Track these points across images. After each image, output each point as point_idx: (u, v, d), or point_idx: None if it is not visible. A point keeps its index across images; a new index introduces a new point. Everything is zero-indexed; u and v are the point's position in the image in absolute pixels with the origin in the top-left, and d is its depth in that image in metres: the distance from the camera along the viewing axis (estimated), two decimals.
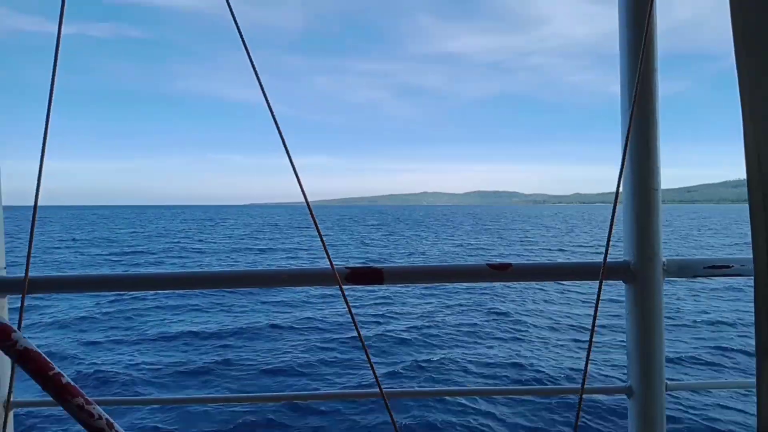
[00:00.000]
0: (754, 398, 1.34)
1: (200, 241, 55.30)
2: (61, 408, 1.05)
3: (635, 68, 1.61)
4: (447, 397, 9.18)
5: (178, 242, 53.70)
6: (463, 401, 9.20)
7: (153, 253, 42.21)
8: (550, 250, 45.43)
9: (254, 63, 1.51)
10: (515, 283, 1.72)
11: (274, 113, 1.54)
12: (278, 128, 1.52)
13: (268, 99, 1.53)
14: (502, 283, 1.73)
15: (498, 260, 1.71)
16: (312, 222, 1.55)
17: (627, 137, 1.61)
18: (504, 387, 1.87)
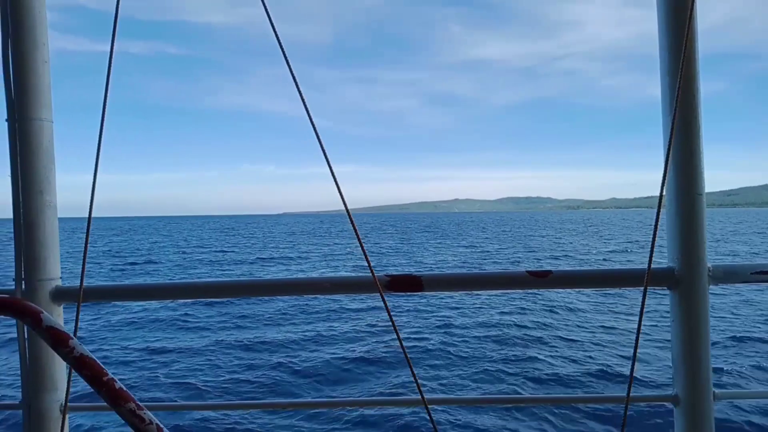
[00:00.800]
0: None
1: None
2: (113, 412, 1.10)
3: (676, 71, 1.58)
4: (489, 405, 9.04)
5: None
6: (506, 409, 9.07)
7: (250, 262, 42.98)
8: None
9: (294, 74, 1.55)
10: (556, 290, 1.70)
11: (314, 122, 1.58)
12: (318, 137, 1.56)
13: (308, 109, 1.57)
14: (542, 290, 1.70)
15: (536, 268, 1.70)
16: (353, 231, 1.58)
17: (670, 141, 1.58)
18: (547, 395, 1.84)
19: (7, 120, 1.67)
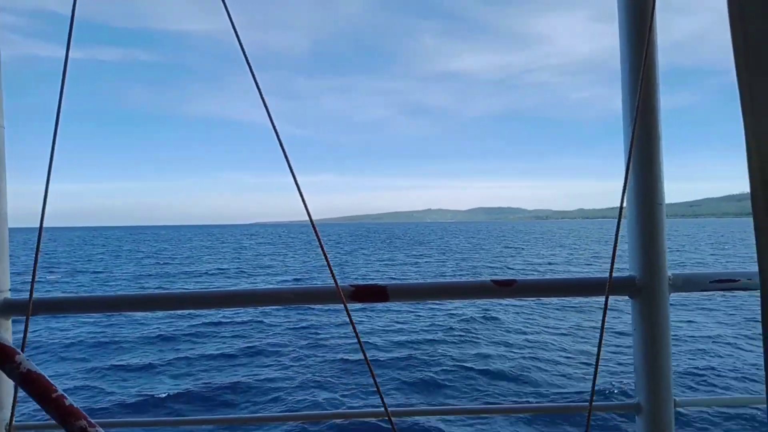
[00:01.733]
0: (764, 415, 1.32)
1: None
2: (64, 431, 1.04)
3: (636, 84, 1.61)
4: (453, 416, 9.09)
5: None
6: (470, 420, 9.11)
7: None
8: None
9: (259, 84, 1.53)
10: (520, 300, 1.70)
11: (278, 132, 1.55)
12: (282, 146, 1.53)
13: (272, 118, 1.54)
14: (506, 299, 1.71)
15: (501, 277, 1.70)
16: (317, 240, 1.55)
17: (630, 152, 1.60)
18: (511, 405, 1.84)
19: None
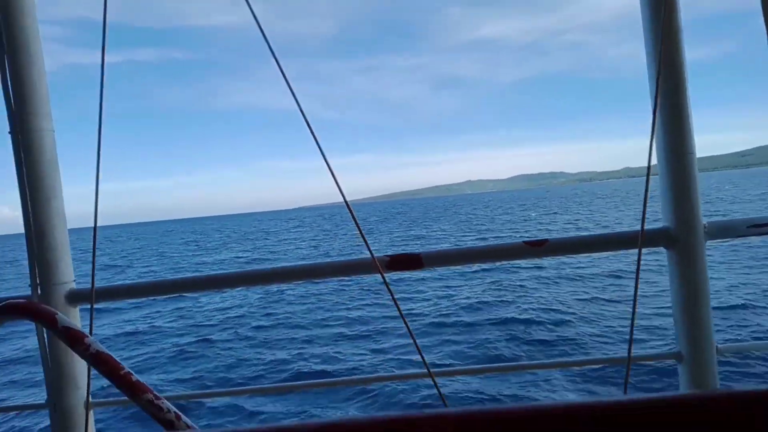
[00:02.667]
0: None
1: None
2: (134, 406, 1.15)
3: (657, 32, 1.59)
4: (493, 374, 9.21)
5: None
6: (510, 376, 9.24)
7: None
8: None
9: (284, 71, 1.59)
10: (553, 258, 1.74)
11: (306, 117, 1.61)
12: (311, 129, 1.60)
13: (300, 103, 1.60)
14: (540, 258, 1.74)
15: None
16: (351, 216, 1.62)
17: (656, 104, 1.59)
18: (550, 361, 1.86)
19: (9, 132, 1.73)
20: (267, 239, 67.09)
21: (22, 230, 1.76)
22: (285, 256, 42.31)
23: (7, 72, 1.71)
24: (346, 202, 1.64)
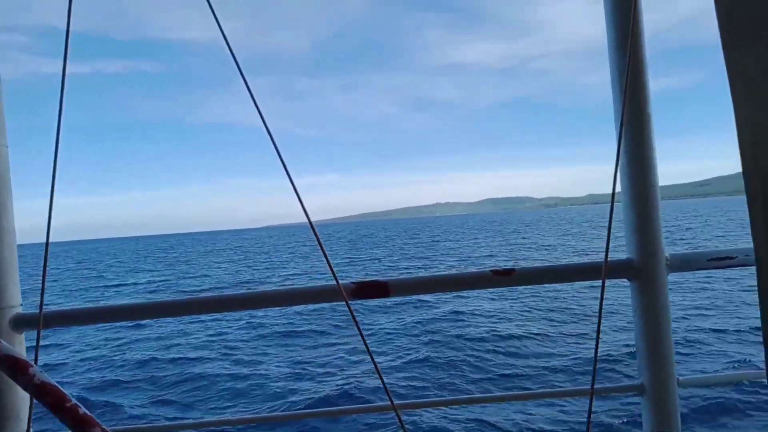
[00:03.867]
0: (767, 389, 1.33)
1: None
2: None
3: (623, 64, 1.62)
4: (457, 406, 9.20)
5: None
6: (473, 409, 9.23)
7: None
8: None
9: (250, 86, 1.55)
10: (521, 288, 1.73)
11: (272, 134, 1.57)
12: (275, 146, 1.56)
13: (265, 119, 1.56)
14: (507, 288, 1.73)
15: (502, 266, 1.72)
16: (316, 240, 1.58)
17: (620, 135, 1.62)
18: (514, 393, 1.86)
19: None
20: (190, 263, 65.10)
21: None
22: (185, 284, 39.89)
23: None
24: (310, 222, 1.59)
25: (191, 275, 47.44)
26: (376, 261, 49.26)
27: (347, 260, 51.38)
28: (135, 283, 43.10)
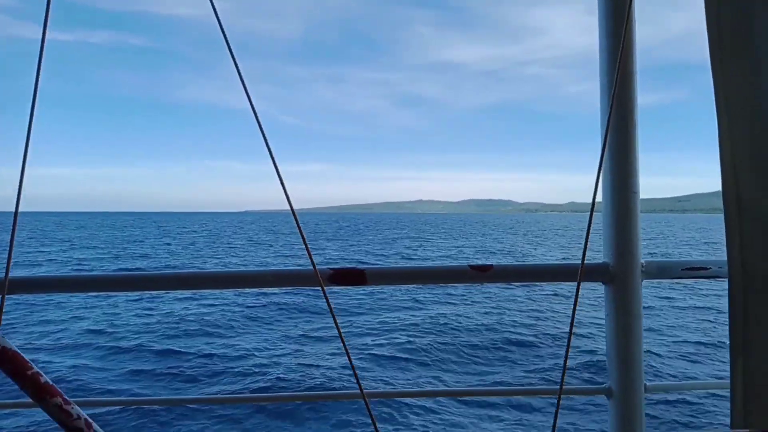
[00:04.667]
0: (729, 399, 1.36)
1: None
2: (40, 408, 1.05)
3: (613, 72, 1.64)
4: (425, 398, 9.29)
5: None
6: (442, 401, 9.33)
7: None
8: None
9: (240, 69, 1.53)
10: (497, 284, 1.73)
11: (259, 118, 1.55)
12: (262, 131, 1.54)
13: (253, 103, 1.54)
14: (483, 284, 1.74)
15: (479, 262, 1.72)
16: (295, 224, 1.56)
17: (605, 140, 1.63)
18: (482, 388, 1.87)
19: None
20: (145, 242, 64.34)
21: None
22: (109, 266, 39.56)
23: None
24: (292, 209, 1.58)
25: (128, 255, 46.69)
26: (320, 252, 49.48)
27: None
28: (62, 260, 42.49)
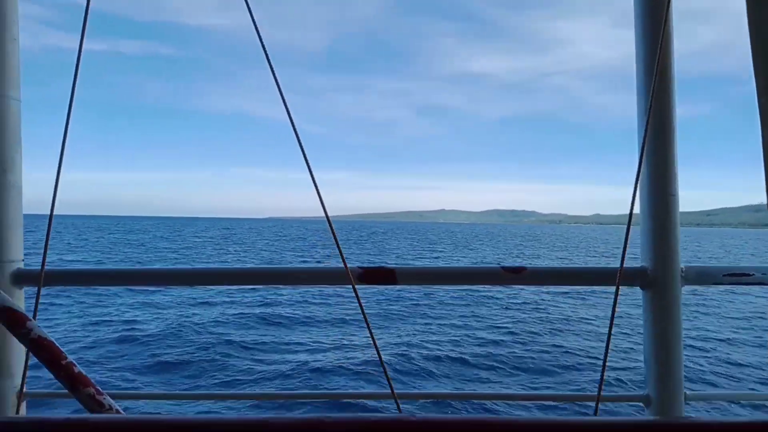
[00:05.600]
0: None
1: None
2: (74, 398, 1.05)
3: (651, 77, 1.60)
4: (459, 401, 8.95)
5: None
6: (477, 405, 9.04)
7: None
8: None
9: (278, 79, 1.53)
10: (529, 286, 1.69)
11: (296, 127, 1.56)
12: (299, 139, 1.54)
13: (291, 113, 1.55)
14: (516, 286, 1.70)
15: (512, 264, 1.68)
16: (329, 227, 1.55)
17: (643, 144, 1.59)
18: (519, 393, 1.81)
19: None
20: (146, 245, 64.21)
21: None
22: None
23: None
24: (325, 211, 1.57)
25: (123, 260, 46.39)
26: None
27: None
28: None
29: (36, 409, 8.26)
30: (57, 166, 1.53)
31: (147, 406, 8.46)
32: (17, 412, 1.59)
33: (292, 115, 1.52)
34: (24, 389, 1.59)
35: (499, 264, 1.67)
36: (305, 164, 1.52)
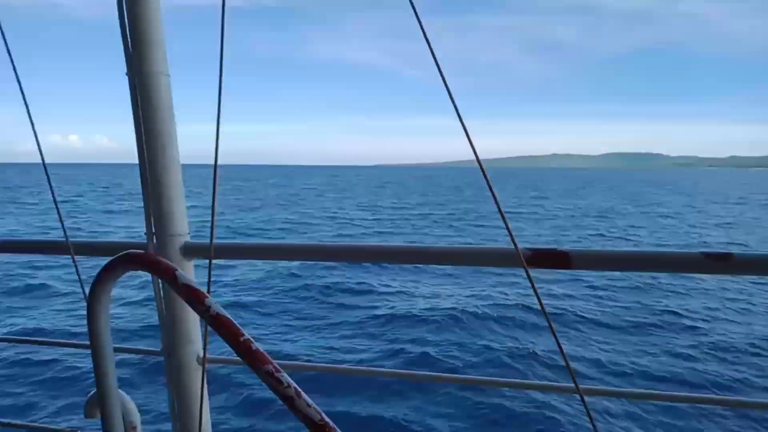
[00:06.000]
0: None
1: None
2: (248, 367, 1.06)
3: None
4: (656, 402, 7.72)
5: None
6: (680, 408, 7.79)
7: None
8: None
9: (424, 27, 1.40)
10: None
11: (444, 73, 1.41)
12: (447, 87, 1.39)
13: (438, 62, 1.40)
14: (721, 276, 1.42)
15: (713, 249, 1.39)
16: (491, 193, 1.40)
17: None
18: (724, 396, 1.60)
19: (127, 74, 1.62)
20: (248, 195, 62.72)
21: (121, 160, 1.66)
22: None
23: (125, 11, 1.58)
24: (481, 167, 1.41)
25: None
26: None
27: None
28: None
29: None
30: (215, 133, 1.50)
31: (323, 379, 7.95)
32: (202, 375, 1.70)
33: (440, 65, 1.37)
34: (206, 354, 1.70)
35: (699, 249, 1.38)
36: (455, 112, 1.38)
